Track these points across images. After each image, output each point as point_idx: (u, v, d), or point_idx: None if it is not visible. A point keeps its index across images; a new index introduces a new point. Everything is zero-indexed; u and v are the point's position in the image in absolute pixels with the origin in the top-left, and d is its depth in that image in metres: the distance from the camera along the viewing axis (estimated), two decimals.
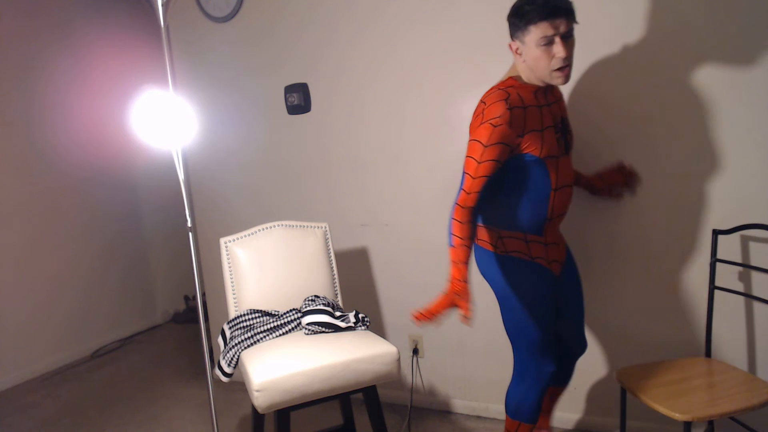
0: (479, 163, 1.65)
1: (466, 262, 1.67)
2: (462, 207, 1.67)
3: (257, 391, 1.82)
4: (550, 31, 1.60)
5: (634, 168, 2.15)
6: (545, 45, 1.61)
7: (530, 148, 1.69)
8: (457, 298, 1.63)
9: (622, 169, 2.14)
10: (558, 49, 1.61)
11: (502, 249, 1.82)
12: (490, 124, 1.64)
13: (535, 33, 1.61)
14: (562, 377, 2.17)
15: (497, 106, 1.65)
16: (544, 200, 1.74)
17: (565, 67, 1.64)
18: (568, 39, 1.62)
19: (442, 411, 2.74)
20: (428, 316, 1.62)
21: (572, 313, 2.01)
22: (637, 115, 2.18)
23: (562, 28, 1.60)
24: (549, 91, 1.77)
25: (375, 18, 2.60)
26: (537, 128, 1.69)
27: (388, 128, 2.66)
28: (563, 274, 1.94)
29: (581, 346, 2.10)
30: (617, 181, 2.14)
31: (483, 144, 1.64)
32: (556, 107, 1.77)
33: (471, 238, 1.68)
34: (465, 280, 1.64)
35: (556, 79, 1.67)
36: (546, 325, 1.84)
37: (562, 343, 2.04)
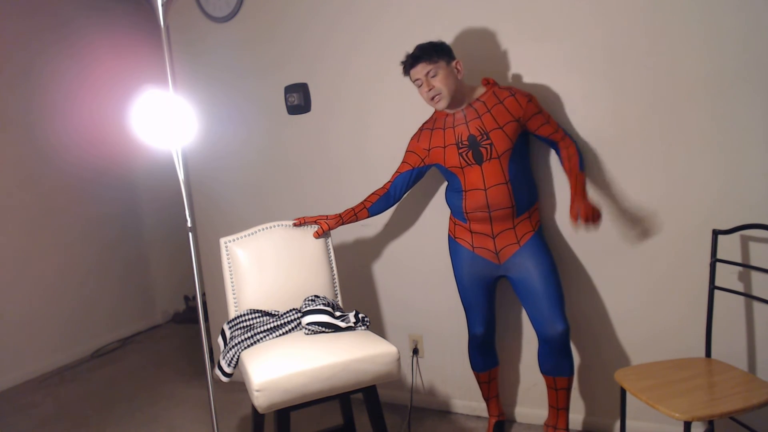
0: (401, 162, 2.39)
1: (348, 217, 2.38)
2: (381, 187, 2.41)
3: (257, 391, 1.82)
4: (415, 77, 2.14)
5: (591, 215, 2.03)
6: (419, 87, 2.14)
7: (436, 159, 2.26)
8: (324, 222, 2.37)
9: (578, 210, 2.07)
10: (422, 90, 2.13)
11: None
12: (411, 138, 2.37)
13: (412, 79, 2.16)
14: (545, 364, 2.20)
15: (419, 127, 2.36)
16: (459, 197, 2.23)
17: (435, 96, 2.11)
18: (433, 77, 2.10)
19: (442, 411, 2.75)
20: (301, 221, 2.38)
21: (533, 299, 2.17)
22: (636, 115, 2.18)
23: (422, 72, 2.10)
24: (459, 116, 2.18)
25: (376, 19, 2.60)
26: (440, 145, 2.22)
27: (389, 128, 2.66)
28: (514, 265, 2.20)
29: (552, 329, 2.12)
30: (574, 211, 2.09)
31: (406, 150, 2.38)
32: (462, 128, 2.17)
33: (371, 208, 2.39)
34: (336, 221, 2.37)
35: (437, 106, 2.16)
36: (463, 294, 2.33)
37: (533, 324, 2.19)
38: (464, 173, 2.18)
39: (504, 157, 2.13)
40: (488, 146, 2.13)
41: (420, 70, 2.10)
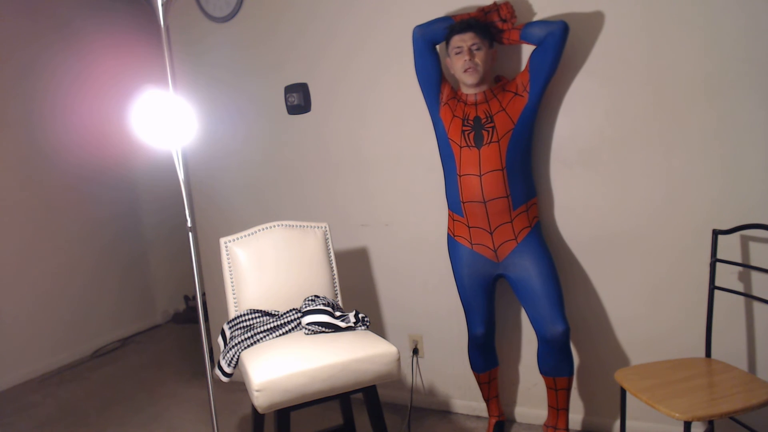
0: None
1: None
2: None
3: (257, 391, 1.82)
4: (459, 43, 2.17)
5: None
6: (457, 54, 2.18)
7: (444, 118, 2.28)
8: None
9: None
10: (459, 57, 2.17)
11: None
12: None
13: (452, 45, 2.20)
14: (545, 365, 2.20)
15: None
16: (455, 182, 2.25)
17: (470, 68, 2.16)
18: (476, 50, 2.15)
19: (442, 411, 2.75)
20: None
21: (532, 299, 2.17)
22: (636, 114, 2.18)
23: (469, 42, 2.15)
24: (471, 98, 2.23)
25: (376, 19, 2.60)
26: (451, 111, 2.27)
27: (388, 128, 2.66)
28: (513, 263, 2.21)
29: (552, 330, 2.12)
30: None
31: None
32: (471, 108, 2.23)
33: None
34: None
35: (466, 78, 2.18)
36: (463, 294, 2.34)
37: (533, 324, 2.20)
38: (461, 153, 2.21)
39: (504, 140, 2.15)
40: (490, 129, 2.17)
41: (468, 38, 2.15)
